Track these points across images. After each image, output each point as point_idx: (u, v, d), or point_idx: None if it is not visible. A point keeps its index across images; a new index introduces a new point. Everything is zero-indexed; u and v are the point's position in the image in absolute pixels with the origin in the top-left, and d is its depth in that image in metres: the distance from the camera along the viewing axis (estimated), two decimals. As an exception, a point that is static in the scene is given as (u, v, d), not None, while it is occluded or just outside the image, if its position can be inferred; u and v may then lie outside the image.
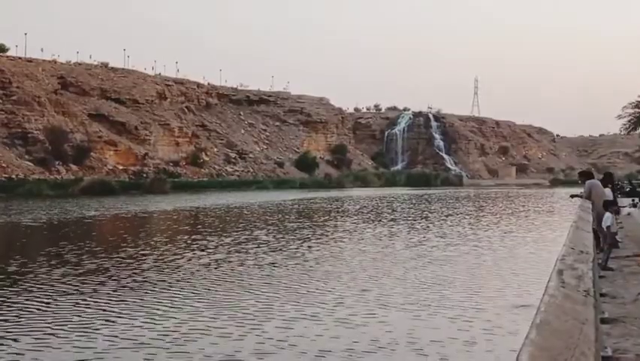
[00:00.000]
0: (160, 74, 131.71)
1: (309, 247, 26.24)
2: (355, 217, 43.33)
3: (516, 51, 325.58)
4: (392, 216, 44.91)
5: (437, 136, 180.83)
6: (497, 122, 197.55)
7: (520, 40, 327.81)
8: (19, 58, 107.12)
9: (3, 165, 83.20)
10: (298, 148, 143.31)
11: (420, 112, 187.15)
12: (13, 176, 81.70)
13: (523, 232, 33.54)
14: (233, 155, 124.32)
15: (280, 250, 25.26)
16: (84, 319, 13.24)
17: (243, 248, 25.73)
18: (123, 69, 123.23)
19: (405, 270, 20.21)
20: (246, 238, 29.28)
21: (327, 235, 31.42)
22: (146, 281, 18.05)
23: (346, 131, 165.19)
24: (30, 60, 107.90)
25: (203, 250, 24.90)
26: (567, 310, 2.83)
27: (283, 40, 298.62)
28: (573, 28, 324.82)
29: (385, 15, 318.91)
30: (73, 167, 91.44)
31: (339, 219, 41.54)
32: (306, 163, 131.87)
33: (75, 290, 16.51)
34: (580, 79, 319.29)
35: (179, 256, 23.15)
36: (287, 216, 44.31)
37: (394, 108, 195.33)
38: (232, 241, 28.38)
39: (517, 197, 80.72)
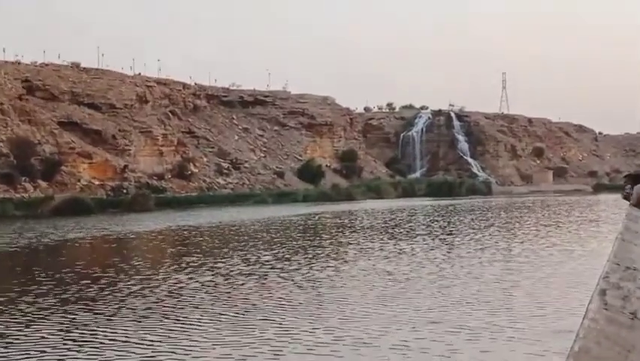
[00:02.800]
0: (140, 74, 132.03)
1: (328, 267, 26.42)
2: (378, 234, 43.46)
3: (548, 40, 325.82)
4: (418, 231, 45.03)
5: (461, 138, 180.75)
6: (530, 120, 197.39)
7: (553, 28, 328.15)
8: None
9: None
10: (301, 155, 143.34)
11: (440, 110, 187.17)
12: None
13: (567, 245, 33.70)
14: (225, 165, 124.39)
15: (297, 273, 25.45)
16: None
17: (253, 272, 25.92)
18: (97, 69, 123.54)
19: (441, 289, 20.38)
20: (255, 261, 29.47)
21: (349, 256, 31.59)
22: (161, 310, 18.26)
23: (356, 135, 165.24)
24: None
25: (210, 276, 25.09)
26: (610, 335, 2.80)
27: (280, 33, 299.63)
28: (612, 12, 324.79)
29: (397, 2, 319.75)
30: (42, 183, 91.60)
31: (356, 237, 41.69)
32: (310, 172, 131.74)
33: (88, 324, 16.72)
34: (625, 68, 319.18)
35: (185, 283, 23.36)
36: (293, 235, 44.47)
37: (410, 107, 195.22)
38: (237, 264, 28.57)
39: (556, 206, 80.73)
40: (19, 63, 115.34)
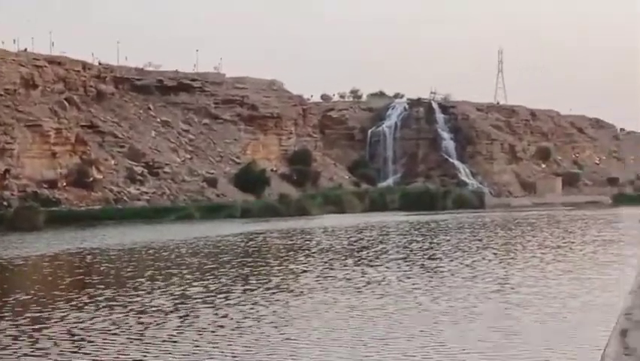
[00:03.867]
0: (26, 50, 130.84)
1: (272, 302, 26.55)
2: (340, 259, 43.69)
3: (557, 11, 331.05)
4: (392, 256, 45.37)
5: (445, 135, 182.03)
6: (533, 113, 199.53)
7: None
8: None
9: None
10: (239, 157, 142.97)
11: (419, 99, 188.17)
12: None
13: (580, 273, 34.35)
14: (139, 170, 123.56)
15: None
16: None
17: (177, 309, 25.93)
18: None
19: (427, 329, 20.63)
20: (179, 295, 29.47)
21: (303, 287, 31.76)
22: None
23: (310, 131, 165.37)
24: None
25: (121, 313, 25.03)
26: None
27: (210, 1, 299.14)
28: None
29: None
30: None
31: (312, 262, 41.88)
32: (250, 179, 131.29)
33: None
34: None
35: (87, 322, 23.27)
36: (230, 261, 44.50)
37: (381, 94, 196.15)
38: (156, 298, 28.55)
39: (566, 222, 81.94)
40: None
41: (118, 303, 27.55)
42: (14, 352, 19.76)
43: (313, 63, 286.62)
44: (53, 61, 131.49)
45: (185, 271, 38.31)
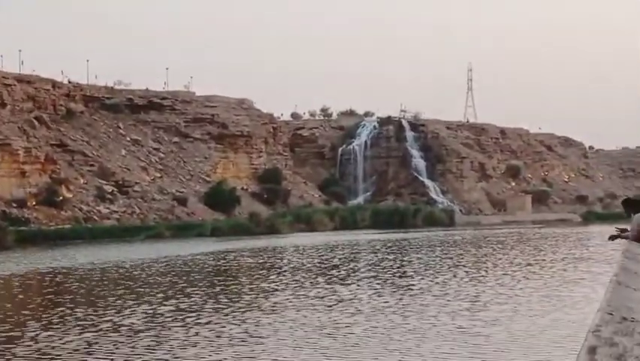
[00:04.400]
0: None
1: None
2: (311, 277, 43.75)
3: (526, 29, 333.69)
4: (363, 274, 45.49)
5: (415, 153, 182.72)
6: (503, 131, 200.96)
7: (530, 15, 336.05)
8: None
9: None
10: (209, 176, 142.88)
11: (389, 118, 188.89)
12: None
13: (550, 290, 34.59)
14: (109, 188, 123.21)
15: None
16: None
17: (147, 328, 25.90)
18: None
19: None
20: (150, 314, 29.42)
21: (274, 305, 31.79)
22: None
23: (280, 149, 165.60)
24: None
25: (91, 332, 24.96)
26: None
27: (181, 18, 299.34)
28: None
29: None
30: None
31: (283, 280, 41.93)
32: (221, 198, 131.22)
33: None
34: (623, 65, 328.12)
35: (54, 342, 23.20)
36: (200, 280, 44.45)
37: (351, 113, 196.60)
38: (126, 317, 28.50)
39: (536, 240, 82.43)
40: None
41: (89, 322, 27.49)
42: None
43: (283, 81, 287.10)
44: (22, 79, 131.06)
45: (156, 290, 38.28)
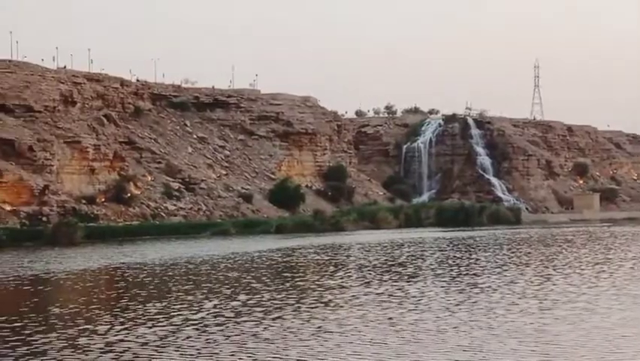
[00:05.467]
0: (65, 67, 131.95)
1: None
2: (377, 275, 43.87)
3: (595, 22, 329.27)
4: (428, 271, 45.48)
5: (481, 151, 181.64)
6: (570, 128, 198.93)
7: (599, 11, 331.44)
8: None
9: None
10: (274, 173, 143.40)
11: (454, 115, 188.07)
12: None
13: (619, 289, 34.31)
14: (176, 185, 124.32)
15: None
16: None
17: (215, 323, 26.23)
18: (10, 61, 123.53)
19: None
20: (219, 307, 29.78)
21: (340, 301, 31.96)
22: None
23: (345, 147, 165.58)
24: None
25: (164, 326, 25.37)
26: None
27: (246, 18, 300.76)
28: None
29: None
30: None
31: (351, 277, 42.09)
32: (285, 195, 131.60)
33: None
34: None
35: (125, 336, 23.65)
36: (266, 276, 44.77)
37: (415, 111, 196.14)
38: (203, 310, 28.87)
39: (606, 238, 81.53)
40: None
41: (160, 316, 27.90)
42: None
43: (348, 79, 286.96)
44: (92, 78, 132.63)
45: (224, 286, 38.63)
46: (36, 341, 23.24)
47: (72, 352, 21.35)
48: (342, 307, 30.19)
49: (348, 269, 48.18)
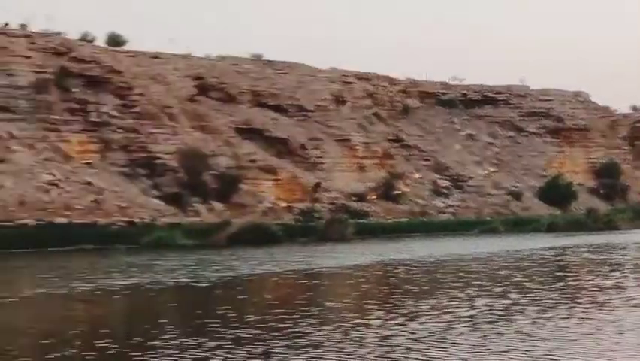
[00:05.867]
0: (335, 67, 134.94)
1: None
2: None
3: None
4: None
5: None
6: None
7: None
8: (142, 53, 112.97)
9: (123, 204, 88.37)
10: (544, 170, 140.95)
11: None
12: (136, 219, 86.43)
13: None
14: (444, 183, 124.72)
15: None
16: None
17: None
18: (283, 63, 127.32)
19: None
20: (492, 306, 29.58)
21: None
22: None
23: (619, 143, 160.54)
24: (156, 56, 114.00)
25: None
26: None
27: (515, 11, 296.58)
28: None
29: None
30: (217, 205, 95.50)
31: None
32: (557, 193, 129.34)
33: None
34: None
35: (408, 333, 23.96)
36: (544, 274, 44.01)
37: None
38: (471, 310, 28.82)
39: None
40: (189, 56, 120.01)
41: (432, 313, 27.95)
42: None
43: (620, 74, 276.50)
44: (361, 77, 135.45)
45: (496, 283, 38.22)
46: (311, 333, 23.86)
47: (347, 345, 21.74)
48: (619, 308, 29.07)
49: (624, 269, 46.47)
